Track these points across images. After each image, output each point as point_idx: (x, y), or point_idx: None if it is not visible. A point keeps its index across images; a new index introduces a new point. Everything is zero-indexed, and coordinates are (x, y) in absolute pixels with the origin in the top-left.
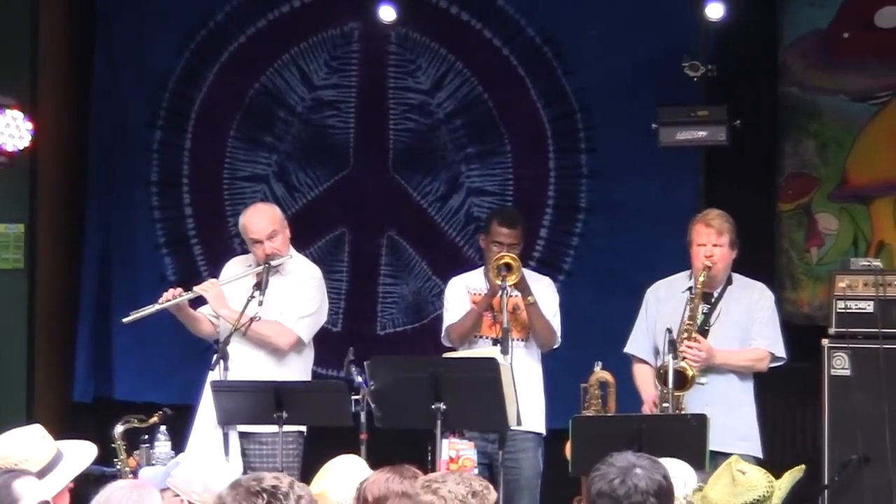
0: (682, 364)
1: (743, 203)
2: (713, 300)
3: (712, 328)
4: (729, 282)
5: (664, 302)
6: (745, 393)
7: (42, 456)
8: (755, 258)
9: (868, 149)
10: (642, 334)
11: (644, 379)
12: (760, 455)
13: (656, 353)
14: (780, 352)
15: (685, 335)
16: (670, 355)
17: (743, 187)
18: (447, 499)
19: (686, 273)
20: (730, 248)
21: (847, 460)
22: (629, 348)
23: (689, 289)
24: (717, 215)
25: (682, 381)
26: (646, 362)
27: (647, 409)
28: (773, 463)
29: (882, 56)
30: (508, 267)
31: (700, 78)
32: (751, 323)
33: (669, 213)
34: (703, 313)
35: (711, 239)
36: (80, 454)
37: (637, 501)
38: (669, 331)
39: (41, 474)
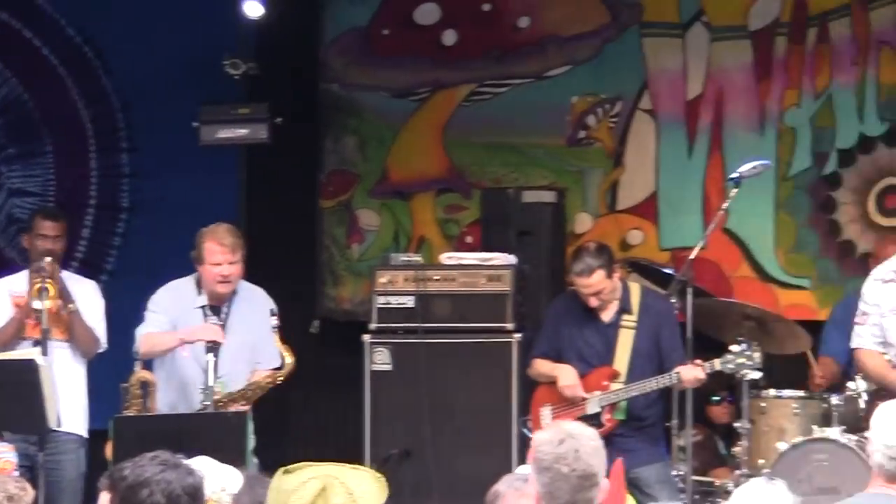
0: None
1: (284, 200)
2: (223, 315)
3: (225, 346)
4: (235, 292)
5: (172, 310)
6: None
7: None
8: (297, 255)
9: (409, 144)
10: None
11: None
12: None
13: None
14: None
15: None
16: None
17: (285, 184)
18: None
19: (193, 283)
20: (242, 262)
21: (387, 455)
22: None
23: (203, 307)
24: (228, 231)
25: None
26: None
27: None
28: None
29: (421, 53)
30: (47, 290)
31: (242, 76)
32: (259, 336)
33: (211, 211)
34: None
35: (227, 258)
36: None
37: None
38: (211, 348)
39: None
